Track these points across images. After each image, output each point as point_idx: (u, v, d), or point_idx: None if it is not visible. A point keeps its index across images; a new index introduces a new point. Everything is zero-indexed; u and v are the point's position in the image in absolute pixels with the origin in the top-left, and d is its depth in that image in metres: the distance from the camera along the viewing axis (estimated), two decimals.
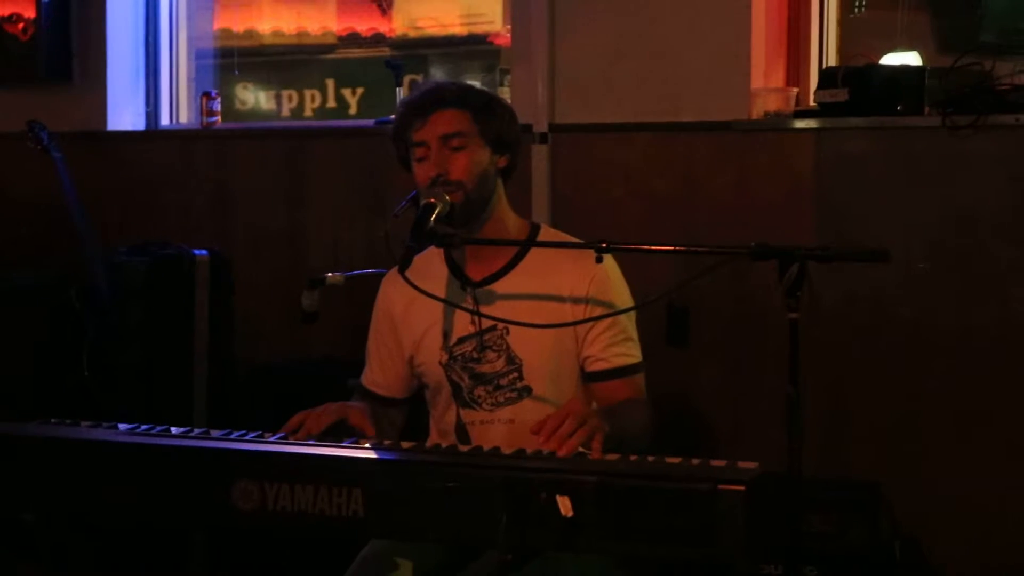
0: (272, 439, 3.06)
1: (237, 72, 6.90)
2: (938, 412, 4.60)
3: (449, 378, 3.47)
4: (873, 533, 4.28)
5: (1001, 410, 4.52)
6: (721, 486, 2.61)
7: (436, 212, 3.23)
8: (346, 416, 3.24)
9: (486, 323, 3.40)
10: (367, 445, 3.02)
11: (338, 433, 3.17)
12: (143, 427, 3.12)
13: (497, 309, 3.39)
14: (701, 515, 2.60)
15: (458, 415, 3.47)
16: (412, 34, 6.81)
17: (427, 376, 3.53)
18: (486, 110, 3.40)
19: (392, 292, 3.56)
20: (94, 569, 4.83)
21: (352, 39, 6.92)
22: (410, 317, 3.52)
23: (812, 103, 4.86)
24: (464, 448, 3.08)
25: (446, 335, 3.46)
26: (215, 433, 3.06)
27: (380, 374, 3.61)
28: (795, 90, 5.01)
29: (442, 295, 3.41)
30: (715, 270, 3.09)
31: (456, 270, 3.49)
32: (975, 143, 4.45)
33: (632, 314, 3.45)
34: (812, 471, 3.04)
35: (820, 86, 4.76)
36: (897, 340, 4.66)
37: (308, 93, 7.07)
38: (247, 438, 3.03)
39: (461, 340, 3.44)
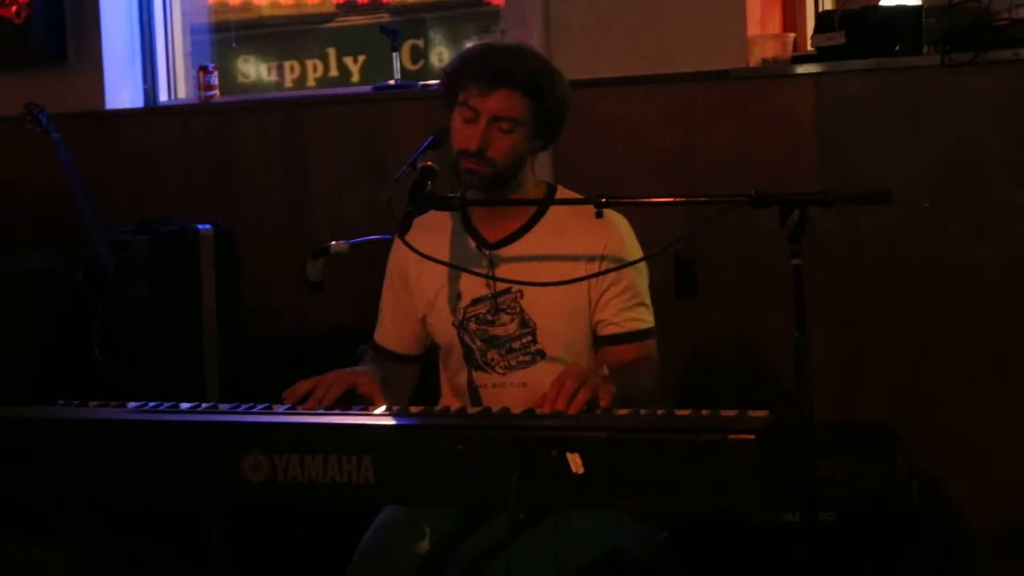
0: (280, 410, 3.05)
1: (235, 45, 6.88)
2: (948, 351, 4.59)
3: (461, 340, 3.44)
4: (889, 475, 4.27)
5: (1013, 348, 4.50)
6: (731, 436, 2.60)
7: (433, 176, 3.22)
8: (356, 384, 3.22)
9: (500, 285, 3.38)
10: (375, 412, 3.01)
11: (347, 401, 3.16)
12: (151, 404, 3.11)
13: (513, 271, 3.36)
14: (712, 466, 2.59)
15: (470, 377, 3.45)
16: None
17: (439, 336, 3.50)
18: (546, 102, 3.35)
19: (405, 250, 3.52)
20: (112, 550, 4.83)
21: (350, 7, 6.90)
22: (423, 276, 3.49)
23: (810, 48, 4.84)
24: (474, 410, 3.07)
25: (459, 296, 3.43)
26: (223, 407, 3.06)
27: (393, 331, 3.58)
28: (792, 35, 4.99)
29: (450, 252, 3.40)
30: (716, 220, 3.08)
31: (473, 232, 3.47)
32: (975, 80, 4.43)
33: (645, 278, 3.42)
34: (824, 416, 3.03)
35: (817, 30, 4.73)
36: (905, 281, 4.64)
37: (310, 63, 7.05)
38: (255, 410, 3.02)
39: (475, 302, 3.41)
